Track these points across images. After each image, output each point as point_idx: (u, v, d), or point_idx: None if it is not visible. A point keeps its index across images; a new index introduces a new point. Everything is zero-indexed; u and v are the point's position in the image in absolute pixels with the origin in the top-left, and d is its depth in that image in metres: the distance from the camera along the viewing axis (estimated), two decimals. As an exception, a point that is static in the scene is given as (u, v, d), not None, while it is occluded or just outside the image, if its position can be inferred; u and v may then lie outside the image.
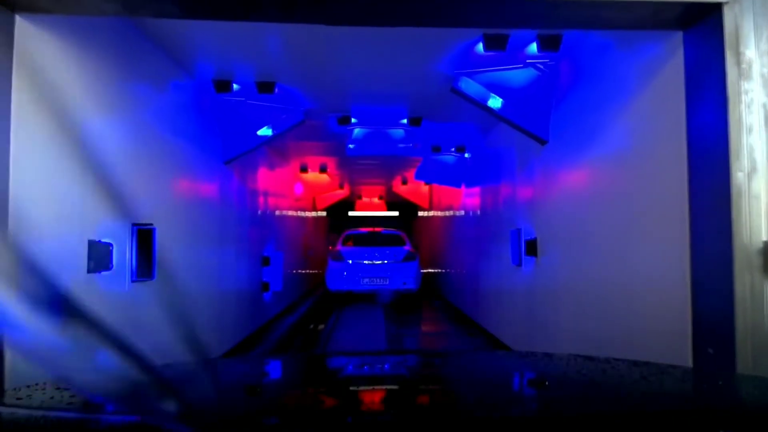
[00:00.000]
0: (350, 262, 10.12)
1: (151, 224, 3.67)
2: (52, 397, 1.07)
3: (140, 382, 0.74)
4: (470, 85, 4.45)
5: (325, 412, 1.04)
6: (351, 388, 1.27)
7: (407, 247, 10.71)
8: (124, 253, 3.34)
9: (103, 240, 3.05)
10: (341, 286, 9.98)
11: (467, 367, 1.56)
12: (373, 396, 1.21)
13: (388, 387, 1.31)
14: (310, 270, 12.64)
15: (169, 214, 4.14)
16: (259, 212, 7.30)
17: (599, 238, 3.47)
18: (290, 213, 10.03)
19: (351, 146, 6.61)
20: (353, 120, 6.04)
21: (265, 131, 5.56)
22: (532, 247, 4.88)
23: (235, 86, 4.76)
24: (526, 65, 4.22)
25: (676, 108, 2.63)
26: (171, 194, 4.20)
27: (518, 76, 4.37)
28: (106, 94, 3.25)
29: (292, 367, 1.58)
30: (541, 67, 4.23)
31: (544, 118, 4.45)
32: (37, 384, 1.13)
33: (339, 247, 10.79)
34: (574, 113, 3.99)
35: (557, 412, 0.99)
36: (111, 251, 3.08)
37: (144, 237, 3.52)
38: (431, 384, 1.34)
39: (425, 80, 4.70)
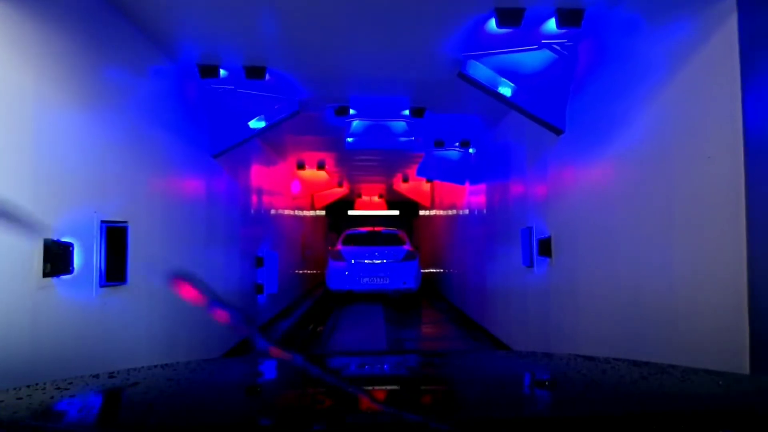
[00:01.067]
0: (350, 261, 10.07)
1: (125, 222, 3.28)
2: (52, 397, 1.05)
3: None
4: (479, 70, 4.06)
5: (325, 412, 1.02)
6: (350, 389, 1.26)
7: (407, 247, 10.66)
8: (90, 254, 2.95)
9: (63, 239, 2.65)
10: (342, 285, 9.97)
11: (467, 367, 1.55)
12: (373, 396, 1.18)
13: (388, 387, 1.31)
14: (308, 270, 12.25)
15: (149, 211, 3.75)
16: (252, 210, 6.91)
17: (629, 238, 3.08)
18: (287, 212, 9.65)
19: (350, 140, 6.22)
20: (352, 111, 5.64)
21: (256, 122, 5.17)
22: (545, 247, 4.49)
23: (222, 72, 4.37)
24: (542, 46, 3.83)
25: (725, 88, 2.24)
26: (150, 189, 3.81)
27: (532, 59, 3.98)
28: (72, 77, 2.86)
29: (292, 367, 1.52)
30: (558, 48, 3.84)
31: (560, 106, 4.06)
32: (37, 384, 1.11)
33: (339, 246, 10.72)
34: (596, 100, 3.60)
35: (557, 412, 0.98)
36: (71, 252, 2.68)
37: (115, 236, 3.13)
38: (431, 384, 1.34)
39: (429, 64, 4.30)
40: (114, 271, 3.10)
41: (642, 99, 2.99)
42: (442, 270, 11.71)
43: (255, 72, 4.27)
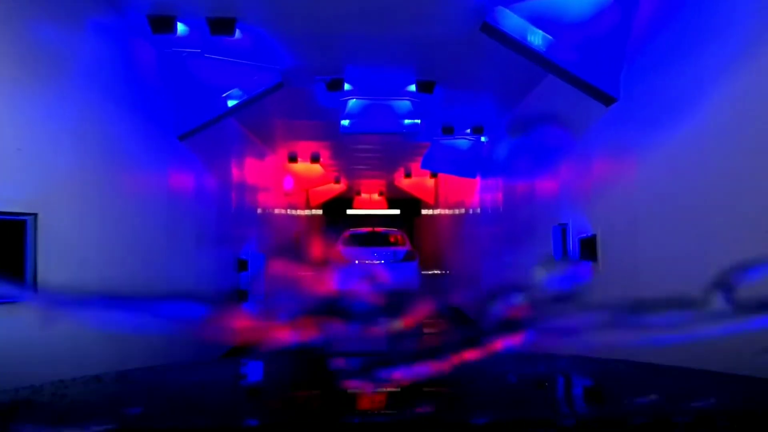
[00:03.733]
0: (350, 262, 9.81)
1: (28, 214, 2.38)
2: (51, 400, 1.07)
3: None
4: (509, 19, 3.15)
5: (325, 412, 1.03)
6: (350, 390, 1.28)
7: (407, 247, 10.62)
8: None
9: None
10: (341, 285, 9.35)
11: (467, 367, 1.42)
12: (373, 397, 1.20)
13: (389, 388, 1.29)
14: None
15: (79, 203, 2.85)
16: (234, 207, 6.00)
17: (728, 240, 2.17)
18: (277, 210, 8.75)
19: (345, 122, 5.30)
20: (347, 86, 4.74)
21: (231, 96, 4.27)
22: (588, 248, 3.58)
23: (180, 27, 3.46)
24: (593, -15, 2.94)
25: None
26: (82, 174, 2.89)
27: (578, 3, 3.08)
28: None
29: (293, 367, 1.54)
30: (615, -13, 2.94)
31: (613, 66, 3.16)
32: (34, 386, 1.13)
33: (339, 247, 10.50)
34: (667, 58, 2.72)
35: (558, 412, 0.99)
36: None
37: (5, 233, 2.22)
38: (432, 385, 1.29)
39: (443, 14, 3.41)
40: (2, 284, 2.19)
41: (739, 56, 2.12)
42: (448, 274, 10.83)
43: (222, 25, 3.36)
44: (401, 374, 1.39)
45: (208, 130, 4.46)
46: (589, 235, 3.61)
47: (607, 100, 3.23)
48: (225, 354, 5.22)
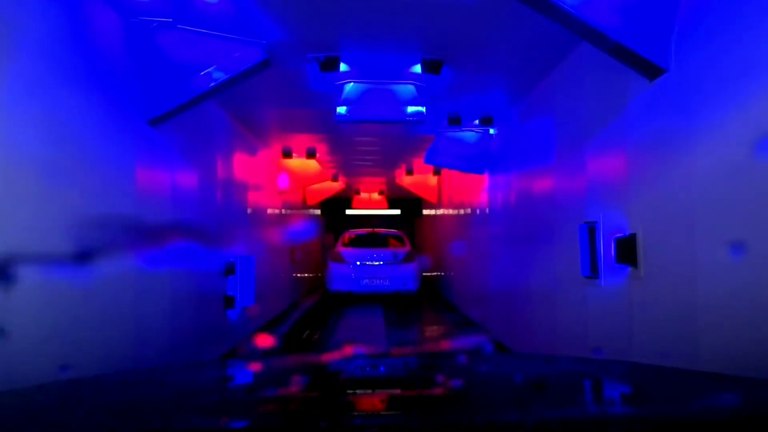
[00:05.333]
0: (350, 263, 9.98)
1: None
2: (48, 400, 1.07)
3: None
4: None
5: (325, 413, 1.01)
6: (350, 391, 1.27)
7: (407, 248, 10.64)
8: None
9: None
10: (341, 287, 9.97)
11: (468, 369, 1.52)
12: (373, 398, 1.18)
13: (389, 389, 1.31)
14: (298, 276, 10.81)
15: (12, 198, 2.32)
16: (219, 205, 5.46)
17: None
18: (270, 209, 8.22)
19: (342, 110, 4.76)
20: (344, 66, 4.20)
21: (209, 76, 3.72)
22: (626, 250, 3.04)
23: (143, -12, 2.93)
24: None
25: None
26: (30, 163, 2.36)
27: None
28: None
29: (293, 369, 1.52)
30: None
31: (661, 29, 2.62)
32: (31, 387, 1.13)
33: (339, 248, 10.65)
34: (733, 17, 2.19)
35: (557, 413, 0.97)
36: None
37: None
38: (431, 386, 1.33)
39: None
40: None
41: None
42: (452, 278, 10.30)
43: (191, -16, 2.83)
44: None
45: (187, 117, 3.93)
46: (626, 234, 3.07)
47: (654, 71, 2.69)
48: (225, 354, 4.97)
